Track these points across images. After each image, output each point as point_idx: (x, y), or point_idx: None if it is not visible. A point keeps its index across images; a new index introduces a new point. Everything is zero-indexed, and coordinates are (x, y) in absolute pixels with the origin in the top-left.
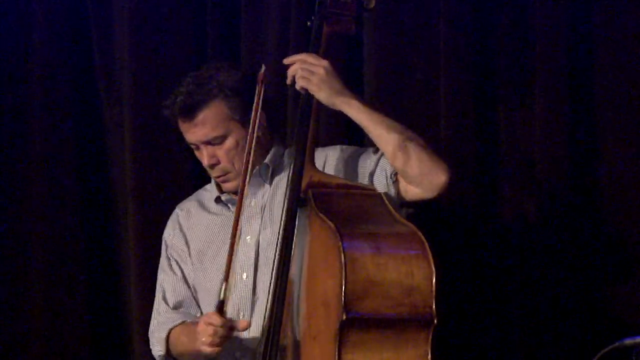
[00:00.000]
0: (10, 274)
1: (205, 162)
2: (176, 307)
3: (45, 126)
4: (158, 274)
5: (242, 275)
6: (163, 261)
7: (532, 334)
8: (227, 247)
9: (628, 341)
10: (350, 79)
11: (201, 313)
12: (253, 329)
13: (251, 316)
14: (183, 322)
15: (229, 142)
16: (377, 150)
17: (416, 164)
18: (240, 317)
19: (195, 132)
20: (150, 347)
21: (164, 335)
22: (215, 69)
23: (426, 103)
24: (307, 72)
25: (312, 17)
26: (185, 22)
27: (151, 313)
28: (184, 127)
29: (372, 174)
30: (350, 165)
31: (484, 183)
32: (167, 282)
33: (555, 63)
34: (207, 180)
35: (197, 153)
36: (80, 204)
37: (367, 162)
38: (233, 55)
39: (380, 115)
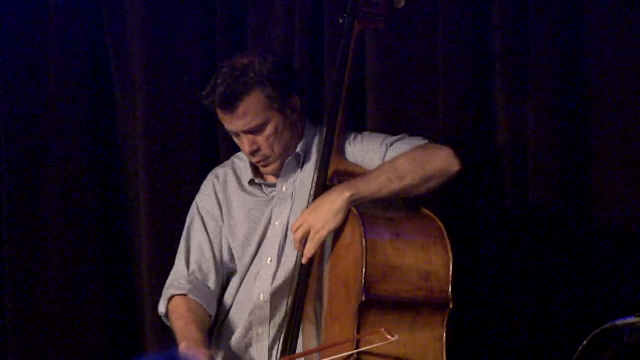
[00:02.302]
0: (26, 260)
1: (246, 149)
2: (193, 271)
3: (59, 115)
4: (184, 234)
5: (267, 259)
6: (193, 222)
7: (524, 316)
8: (257, 231)
9: (619, 322)
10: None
11: (217, 283)
12: (272, 308)
13: (270, 298)
14: (186, 295)
15: (269, 130)
16: (385, 142)
17: (433, 181)
18: (261, 299)
19: (235, 122)
20: None
21: (166, 297)
22: (250, 57)
23: (424, 91)
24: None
25: (344, 14)
26: (195, 13)
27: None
28: (224, 117)
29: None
30: (366, 154)
31: (479, 173)
32: (193, 241)
33: (549, 55)
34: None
35: (236, 139)
36: (93, 190)
37: (377, 155)
38: (241, 44)
39: (375, 174)
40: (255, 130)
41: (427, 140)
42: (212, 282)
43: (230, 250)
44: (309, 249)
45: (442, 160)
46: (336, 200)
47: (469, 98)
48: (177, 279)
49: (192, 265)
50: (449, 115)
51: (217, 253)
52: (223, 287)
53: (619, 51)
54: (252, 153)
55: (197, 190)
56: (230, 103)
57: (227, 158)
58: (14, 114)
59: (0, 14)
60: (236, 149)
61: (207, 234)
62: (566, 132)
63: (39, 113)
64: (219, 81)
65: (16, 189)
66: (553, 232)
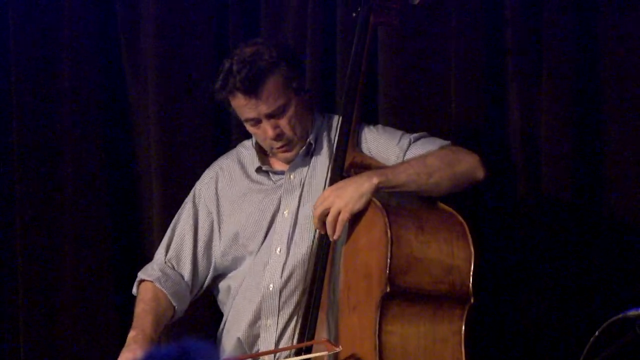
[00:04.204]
0: (39, 254)
1: (269, 134)
2: (170, 259)
3: (73, 108)
4: (174, 218)
5: (277, 250)
6: (184, 209)
7: (537, 308)
8: (265, 220)
9: (632, 312)
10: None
11: (194, 275)
12: (281, 298)
13: (280, 290)
14: (152, 282)
15: (290, 111)
16: (404, 140)
17: (458, 183)
18: (271, 290)
19: (260, 106)
20: None
21: (137, 280)
22: (253, 47)
23: (437, 86)
24: (331, 219)
25: (358, 8)
26: (208, 5)
27: None
28: (247, 104)
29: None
30: (382, 147)
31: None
32: (178, 229)
33: (562, 49)
34: None
35: (253, 128)
36: (106, 184)
37: (394, 149)
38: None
39: (404, 167)
40: (278, 113)
41: (449, 142)
42: (187, 273)
43: (230, 242)
44: (337, 231)
45: (470, 165)
46: (363, 183)
47: (482, 92)
48: (152, 264)
49: (171, 253)
50: (461, 110)
51: (200, 246)
52: (204, 280)
53: (633, 42)
54: (276, 138)
55: None
56: (255, 87)
57: None
58: (29, 107)
59: (15, 10)
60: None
61: (195, 224)
62: (579, 125)
63: (53, 107)
64: (235, 69)
65: (30, 183)
66: (566, 225)
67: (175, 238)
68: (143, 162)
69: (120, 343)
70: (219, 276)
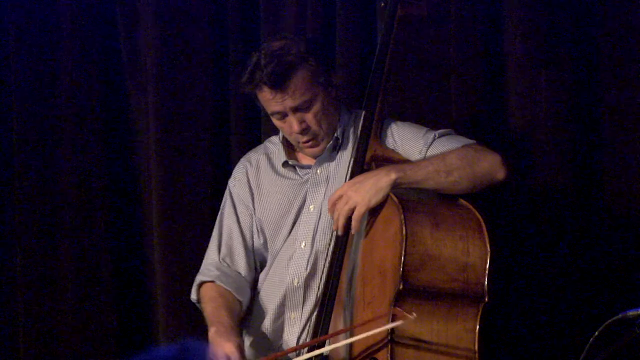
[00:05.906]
0: (40, 251)
1: (295, 128)
2: (224, 257)
3: (73, 106)
4: (217, 218)
5: (301, 244)
6: (225, 207)
7: (537, 307)
8: (291, 214)
9: (631, 312)
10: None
11: (248, 269)
12: (305, 292)
13: (304, 284)
14: (213, 282)
15: (317, 106)
16: (429, 135)
17: (477, 182)
18: (295, 285)
19: (286, 100)
20: None
21: (196, 284)
22: (281, 41)
23: (437, 78)
24: (346, 213)
25: None
26: (207, 6)
27: (176, 297)
28: (273, 98)
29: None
30: (405, 142)
31: None
32: (225, 227)
33: (561, 45)
34: (228, 163)
35: (279, 122)
36: (106, 182)
37: (418, 144)
38: (252, 33)
39: (424, 164)
40: (304, 107)
41: (474, 141)
42: (242, 268)
43: (263, 235)
44: (354, 227)
45: (491, 165)
46: (382, 178)
47: (481, 92)
48: (207, 265)
49: (223, 251)
50: (461, 110)
51: (247, 239)
52: (257, 273)
53: (633, 38)
54: (302, 132)
55: (208, 186)
56: (282, 81)
57: (240, 147)
58: (28, 107)
59: (15, 9)
60: (250, 145)
61: (238, 219)
62: (578, 122)
63: (52, 107)
64: (262, 62)
65: (29, 183)
66: (565, 225)
67: (224, 237)
68: (143, 163)
69: (120, 344)
70: None
